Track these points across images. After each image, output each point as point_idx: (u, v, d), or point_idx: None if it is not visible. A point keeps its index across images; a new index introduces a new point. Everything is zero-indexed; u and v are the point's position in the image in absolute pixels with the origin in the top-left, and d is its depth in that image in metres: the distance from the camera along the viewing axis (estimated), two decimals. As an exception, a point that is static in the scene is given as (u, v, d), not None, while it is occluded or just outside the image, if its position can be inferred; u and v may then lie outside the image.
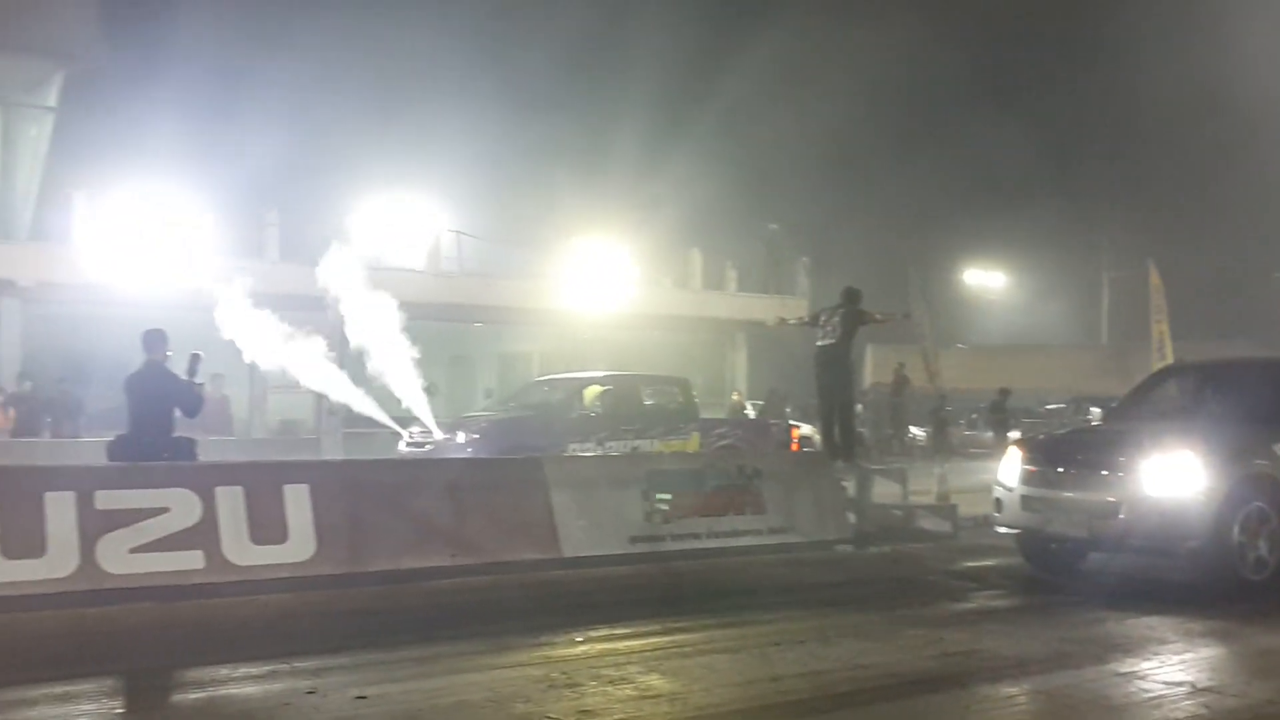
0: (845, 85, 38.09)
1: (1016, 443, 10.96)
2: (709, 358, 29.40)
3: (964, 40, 47.71)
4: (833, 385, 13.23)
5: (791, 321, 16.05)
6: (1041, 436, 12.61)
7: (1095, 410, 26.01)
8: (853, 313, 13.02)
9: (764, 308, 28.70)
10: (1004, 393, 27.29)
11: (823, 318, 13.26)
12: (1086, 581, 9.82)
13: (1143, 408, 10.97)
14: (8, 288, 20.22)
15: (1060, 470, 9.69)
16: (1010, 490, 9.99)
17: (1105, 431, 10.84)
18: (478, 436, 15.23)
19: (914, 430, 28.07)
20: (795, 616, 8.22)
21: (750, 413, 24.69)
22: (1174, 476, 8.92)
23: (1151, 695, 6.14)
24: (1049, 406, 33.71)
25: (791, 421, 21.17)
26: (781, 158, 38.10)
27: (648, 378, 18.62)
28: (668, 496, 10.99)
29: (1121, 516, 9.06)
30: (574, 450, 15.23)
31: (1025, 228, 45.97)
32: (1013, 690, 6.31)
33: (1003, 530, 10.24)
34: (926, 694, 6.21)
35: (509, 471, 11.16)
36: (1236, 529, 8.82)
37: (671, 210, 30.19)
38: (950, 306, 43.61)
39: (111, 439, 10.16)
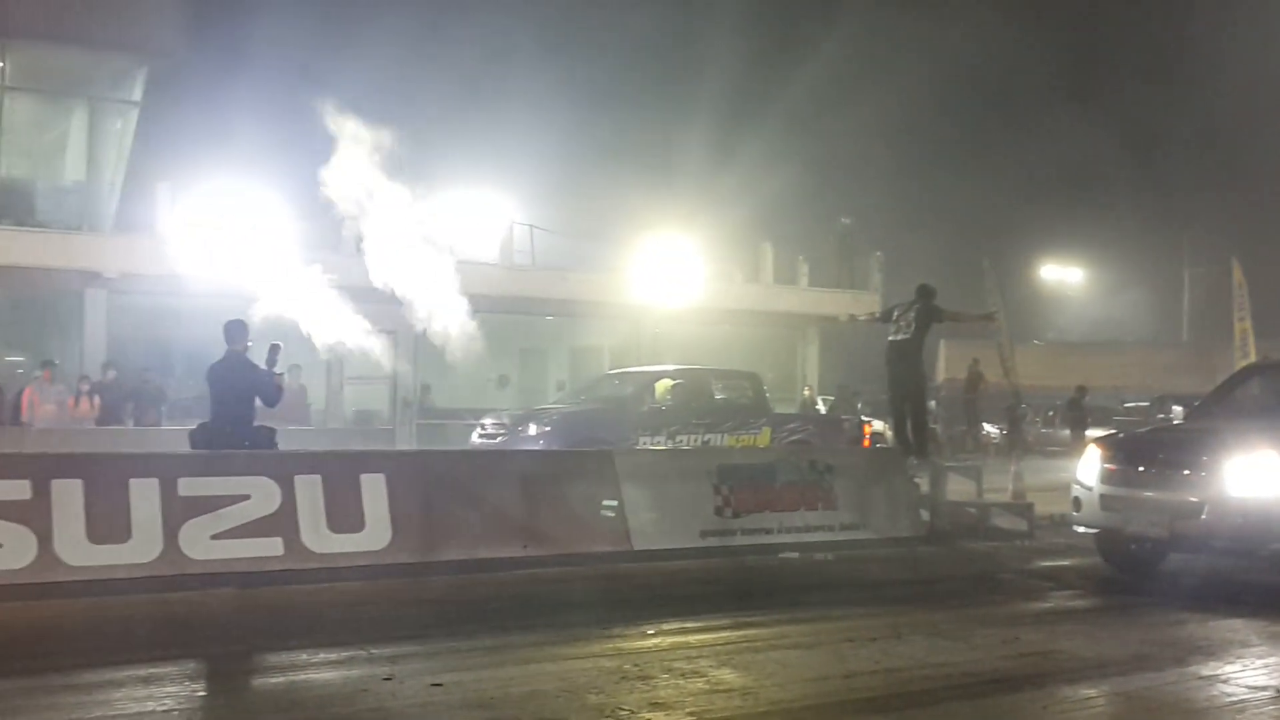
0: (921, 77, 37.73)
1: (1096, 441, 10.82)
2: (780, 352, 29.26)
3: (1044, 30, 46.99)
4: (904, 381, 13.12)
5: (863, 317, 15.94)
6: (1121, 435, 12.42)
7: (1178, 409, 25.51)
8: (927, 309, 12.89)
9: (836, 303, 28.51)
10: (1081, 390, 26.88)
11: (896, 313, 13.14)
12: (1166, 583, 9.65)
13: (1226, 406, 10.74)
14: (93, 279, 20.69)
15: (1141, 469, 9.53)
16: (1089, 489, 9.84)
17: (1187, 430, 10.64)
18: (549, 429, 15.33)
19: (988, 427, 27.75)
20: (868, 613, 8.18)
21: (821, 408, 24.56)
22: (1259, 476, 8.73)
23: (1234, 699, 6.03)
24: (1131, 404, 33.12)
25: (863, 417, 21.01)
26: (856, 151, 37.82)
27: (719, 372, 18.57)
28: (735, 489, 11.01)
29: (1204, 517, 8.89)
30: (644, 444, 15.26)
31: (1105, 223, 45.26)
32: (1091, 692, 6.22)
33: (1081, 529, 10.11)
34: (1003, 694, 6.14)
35: (580, 464, 11.21)
36: (1322, 531, 8.61)
37: (743, 204, 30.10)
38: (1026, 302, 43.01)
39: (194, 427, 10.37)
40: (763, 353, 27.79)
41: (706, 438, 16.06)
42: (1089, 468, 9.93)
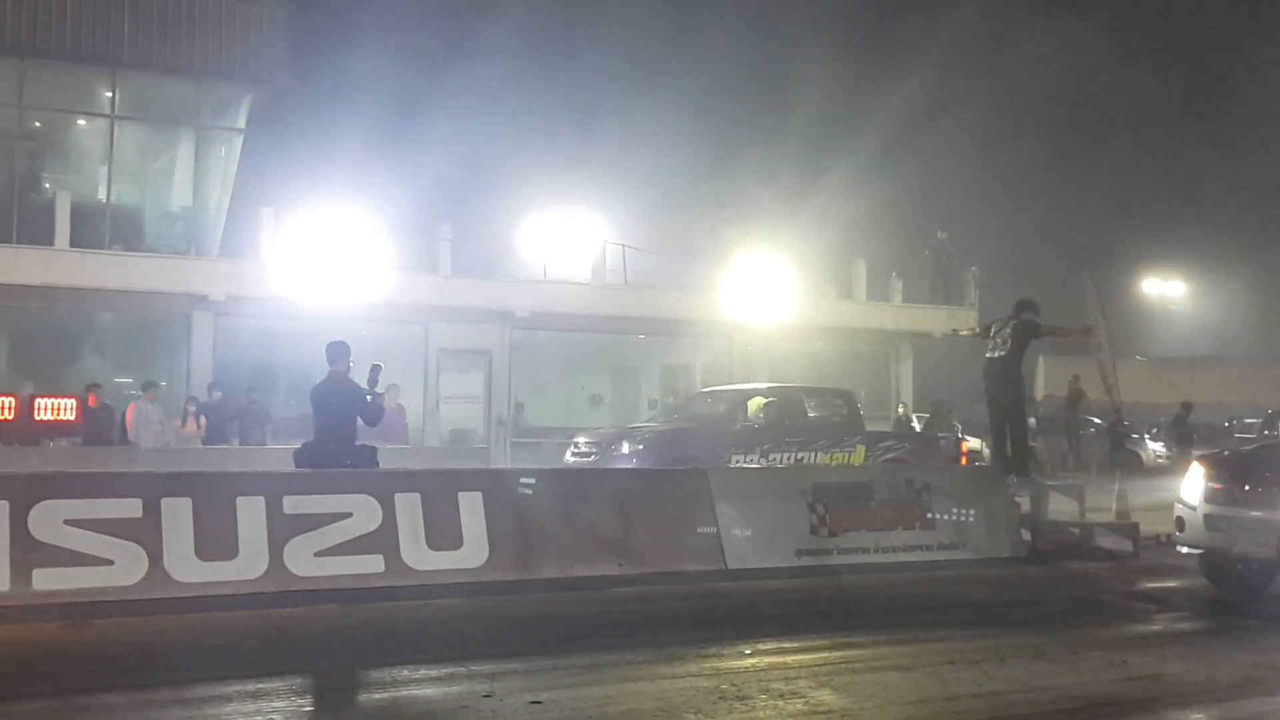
0: (1020, 88, 37.23)
1: (1199, 459, 10.54)
2: (873, 370, 29.00)
3: (1146, 38, 45.98)
4: (1003, 398, 12.91)
5: (964, 333, 15.71)
6: (1226, 452, 12.08)
7: (1288, 425, 24.75)
8: (1025, 325, 12.68)
9: (930, 319, 28.18)
10: (1186, 407, 26.20)
11: (994, 329, 12.96)
12: (1275, 604, 9.35)
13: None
14: (200, 301, 21.30)
15: (1247, 488, 9.26)
16: (1193, 508, 9.59)
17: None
18: (641, 448, 15.35)
19: (1152, 444, 27.27)
20: (969, 635, 8.05)
21: (916, 426, 24.26)
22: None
23: (1353, 727, 5.82)
24: (1235, 421, 32.15)
25: (960, 435, 20.71)
26: (952, 165, 37.39)
27: (812, 390, 18.48)
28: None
29: (1314, 537, 8.61)
30: (737, 462, 15.21)
31: (1208, 235, 44.05)
32: (1201, 716, 6.06)
33: (1185, 550, 9.84)
34: (1110, 718, 6.01)
35: (674, 483, 11.22)
36: None
37: (836, 221, 29.94)
38: (1128, 317, 42.02)
39: (298, 446, 10.59)
40: (855, 370, 27.57)
41: (800, 456, 15.95)
42: (1193, 486, 9.67)
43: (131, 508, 8.51)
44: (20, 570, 8.01)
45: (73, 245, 20.62)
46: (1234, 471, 9.58)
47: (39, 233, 20.63)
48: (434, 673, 6.76)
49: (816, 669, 6.88)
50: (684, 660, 7.10)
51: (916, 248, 30.00)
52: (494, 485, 10.08)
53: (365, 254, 21.39)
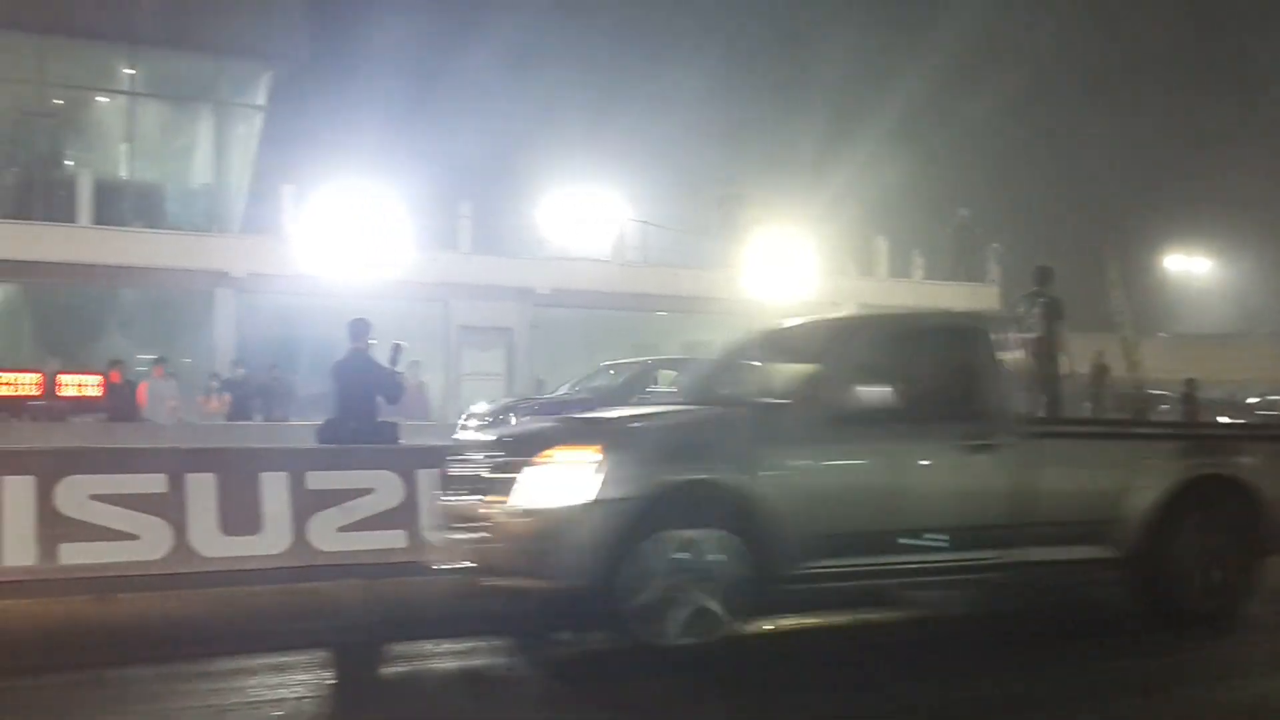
0: (1039, 60, 36.89)
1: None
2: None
3: (1172, 8, 45.49)
4: (1039, 378, 12.82)
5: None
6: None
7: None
8: (1053, 303, 12.66)
9: (952, 296, 28.03)
10: (1191, 384, 25.96)
11: (1021, 308, 12.91)
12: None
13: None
14: (222, 278, 21.38)
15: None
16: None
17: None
18: (527, 419, 14.33)
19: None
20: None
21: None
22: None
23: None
24: (1269, 398, 31.84)
25: None
26: (972, 140, 37.14)
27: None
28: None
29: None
30: None
31: (1233, 211, 43.63)
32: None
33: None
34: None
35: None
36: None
37: (856, 197, 29.78)
38: (1152, 294, 41.75)
39: (320, 423, 10.62)
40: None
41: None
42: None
43: (157, 483, 8.52)
44: (47, 545, 8.06)
45: (95, 223, 20.70)
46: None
47: (61, 210, 20.72)
48: (455, 647, 6.79)
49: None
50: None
51: (938, 224, 29.84)
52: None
53: (386, 231, 21.42)
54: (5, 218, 20.54)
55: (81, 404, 17.75)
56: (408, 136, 22.44)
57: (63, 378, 18.39)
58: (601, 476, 6.03)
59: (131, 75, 23.88)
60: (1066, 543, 6.98)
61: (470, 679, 6.13)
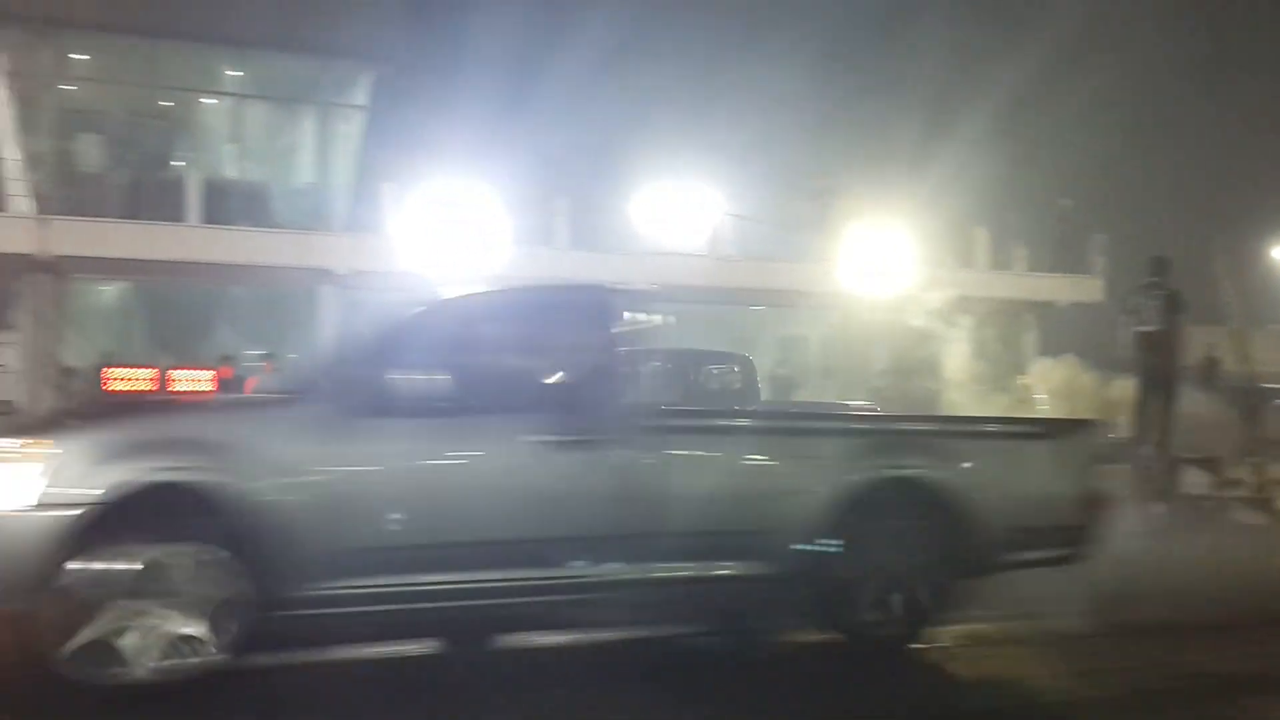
0: (1145, 45, 35.96)
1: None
2: (994, 340, 28.42)
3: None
4: (1160, 372, 12.53)
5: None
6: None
7: None
8: (1174, 295, 12.37)
9: (1055, 287, 27.55)
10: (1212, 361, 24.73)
11: (1136, 300, 12.62)
12: None
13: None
14: (325, 275, 21.80)
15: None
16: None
17: None
18: None
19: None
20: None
21: (1043, 400, 23.66)
22: None
23: None
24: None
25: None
26: (1076, 128, 36.38)
27: (703, 354, 16.60)
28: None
29: None
30: None
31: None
32: None
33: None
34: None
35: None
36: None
37: (956, 188, 29.34)
38: (1262, 284, 40.49)
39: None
40: (977, 341, 27.03)
41: None
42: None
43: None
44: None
45: (203, 222, 21.25)
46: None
47: (171, 210, 21.29)
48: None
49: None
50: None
51: (1040, 214, 29.30)
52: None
53: (484, 227, 21.66)
54: (118, 218, 21.17)
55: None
56: (505, 133, 22.64)
57: (175, 373, 18.92)
58: (48, 476, 5.06)
59: (238, 77, 24.47)
60: (708, 557, 5.99)
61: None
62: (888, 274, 25.15)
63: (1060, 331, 28.09)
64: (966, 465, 6.57)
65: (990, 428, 7.68)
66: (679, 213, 25.20)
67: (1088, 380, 23.53)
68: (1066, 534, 6.78)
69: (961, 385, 23.75)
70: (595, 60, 24.46)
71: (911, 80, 31.76)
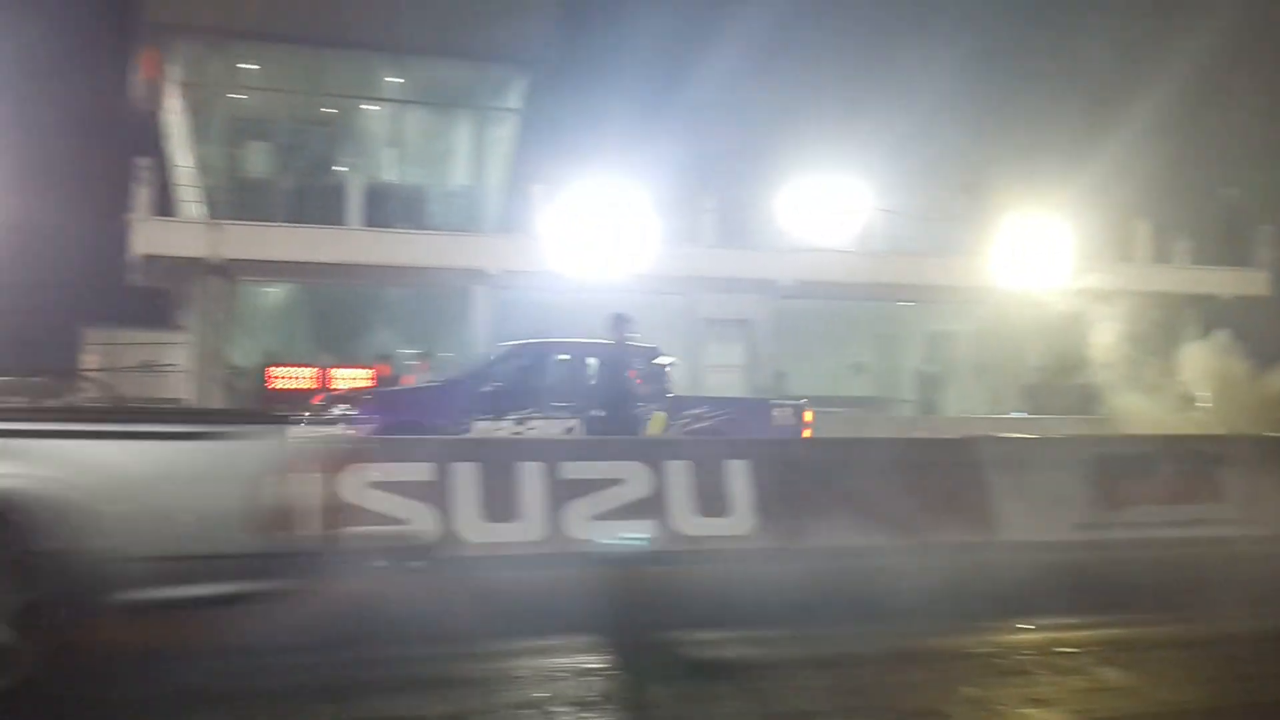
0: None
1: None
2: (1154, 335, 27.44)
3: None
4: None
5: None
6: None
7: None
8: None
9: (1218, 281, 26.52)
10: None
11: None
12: None
13: None
14: (478, 275, 22.36)
15: None
16: None
17: None
18: (354, 411, 13.57)
19: None
20: (1265, 616, 7.61)
21: (1204, 398, 22.76)
22: None
23: None
24: None
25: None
26: (1244, 116, 34.83)
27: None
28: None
29: None
30: (482, 428, 13.06)
31: None
32: None
33: None
34: None
35: (945, 451, 11.05)
36: None
37: (1116, 180, 28.42)
38: None
39: (583, 415, 10.95)
40: (1135, 336, 26.18)
41: (573, 424, 13.21)
42: None
43: (425, 472, 9.10)
44: (330, 529, 8.69)
45: (364, 225, 22.00)
46: None
47: (333, 213, 22.11)
48: (714, 635, 6.97)
49: (1099, 646, 6.68)
50: (959, 633, 7.04)
51: (1204, 206, 28.19)
52: (761, 454, 10.20)
53: (631, 226, 21.93)
54: (283, 222, 22.07)
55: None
56: (654, 132, 22.85)
57: (335, 372, 19.67)
58: None
59: (397, 83, 25.27)
60: None
61: (730, 667, 6.25)
62: (1042, 268, 24.56)
63: (1223, 326, 26.97)
64: (55, 472, 5.06)
65: (106, 423, 5.78)
66: (826, 208, 25.05)
67: (1239, 369, 22.58)
68: (239, 564, 5.38)
69: (1118, 382, 23.00)
70: (743, 57, 24.45)
71: (1069, 70, 30.86)
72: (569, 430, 12.91)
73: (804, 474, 10.05)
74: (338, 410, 13.91)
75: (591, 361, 13.57)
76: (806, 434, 14.09)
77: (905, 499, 10.07)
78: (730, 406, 14.70)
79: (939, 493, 10.23)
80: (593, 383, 12.60)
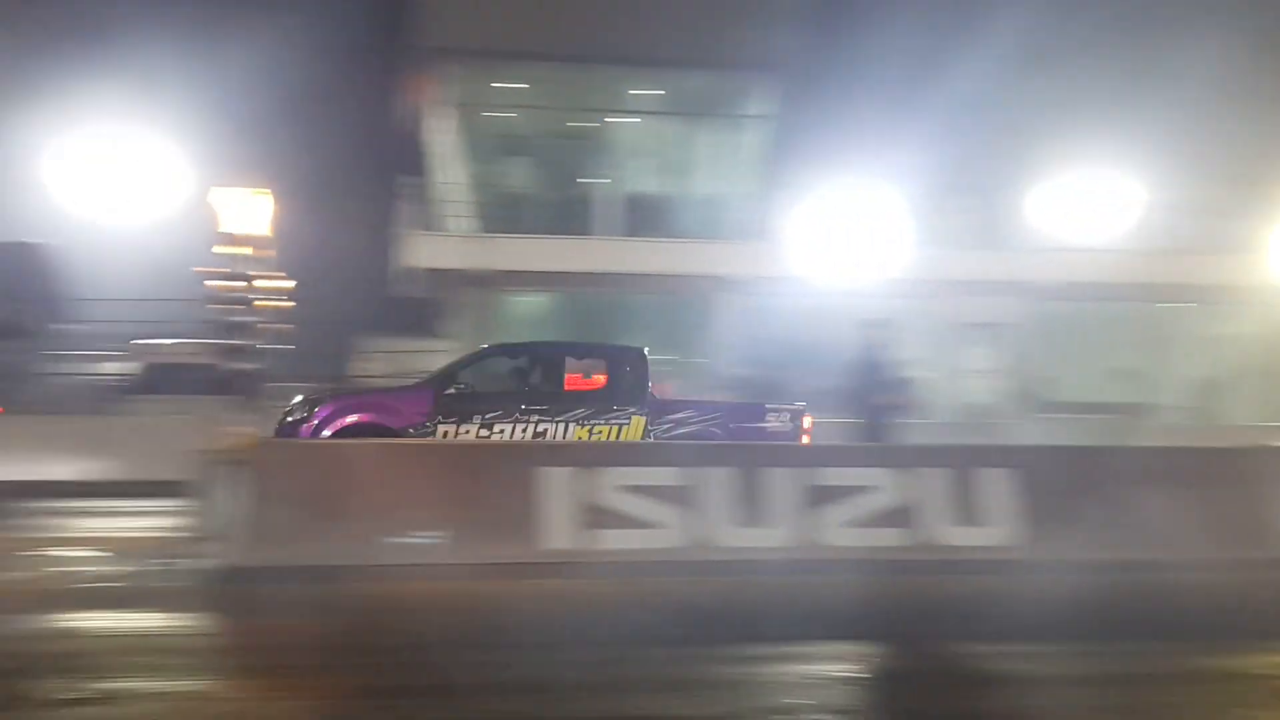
0: None
1: None
2: None
3: None
4: None
5: None
6: None
7: None
8: None
9: None
10: None
11: None
12: None
13: None
14: (725, 282, 22.53)
15: None
16: None
17: None
18: (302, 415, 12.74)
19: None
20: None
21: None
22: None
23: None
24: None
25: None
26: None
27: (587, 347, 14.67)
28: None
29: None
30: (445, 433, 12.52)
31: None
32: None
33: None
34: None
35: (1225, 462, 10.36)
36: None
37: None
38: None
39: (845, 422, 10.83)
40: None
41: (543, 428, 12.61)
42: None
43: (677, 476, 9.23)
44: (586, 532, 8.95)
45: (620, 234, 22.55)
46: None
47: (587, 224, 22.72)
48: (983, 648, 6.84)
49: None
50: (1241, 654, 6.60)
51: None
52: (1021, 462, 9.84)
53: (882, 230, 21.61)
54: (542, 233, 22.86)
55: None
56: (905, 134, 22.43)
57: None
58: None
59: (651, 95, 25.76)
60: None
61: (1003, 679, 6.12)
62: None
63: None
64: None
65: None
66: (1091, 205, 23.95)
67: None
68: None
69: None
70: (997, 54, 23.67)
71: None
72: (539, 435, 12.59)
73: (1065, 483, 9.64)
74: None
75: (572, 363, 13.50)
76: (805, 441, 13.36)
77: (1179, 510, 9.52)
78: (718, 410, 13.67)
79: (1217, 504, 9.62)
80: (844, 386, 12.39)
